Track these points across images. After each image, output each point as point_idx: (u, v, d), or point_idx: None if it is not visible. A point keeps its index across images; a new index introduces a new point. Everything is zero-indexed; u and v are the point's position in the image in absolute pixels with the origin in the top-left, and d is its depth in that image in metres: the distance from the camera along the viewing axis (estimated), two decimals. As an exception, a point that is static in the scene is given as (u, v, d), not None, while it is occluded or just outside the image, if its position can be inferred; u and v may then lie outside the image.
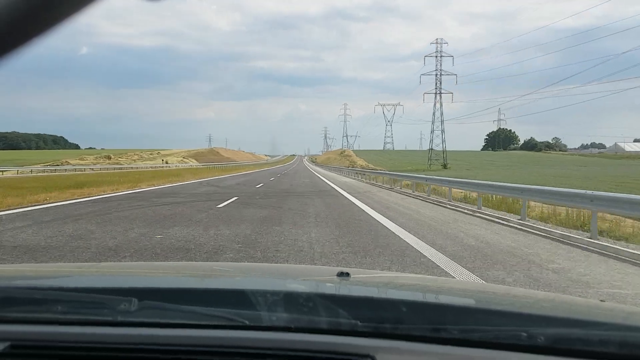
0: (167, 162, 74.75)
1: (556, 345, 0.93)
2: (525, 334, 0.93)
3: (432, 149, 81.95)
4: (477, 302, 1.32)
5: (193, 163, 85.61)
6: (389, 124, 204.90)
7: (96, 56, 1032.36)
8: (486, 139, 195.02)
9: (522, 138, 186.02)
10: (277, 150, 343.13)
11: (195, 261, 5.71)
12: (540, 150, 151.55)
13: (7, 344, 0.95)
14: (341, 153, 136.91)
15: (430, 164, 76.03)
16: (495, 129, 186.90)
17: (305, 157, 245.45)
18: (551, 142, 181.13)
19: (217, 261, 5.74)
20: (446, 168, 69.73)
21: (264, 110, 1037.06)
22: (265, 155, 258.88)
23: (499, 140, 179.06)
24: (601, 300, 1.59)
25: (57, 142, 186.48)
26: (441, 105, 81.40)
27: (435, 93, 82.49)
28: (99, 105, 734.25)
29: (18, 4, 0.46)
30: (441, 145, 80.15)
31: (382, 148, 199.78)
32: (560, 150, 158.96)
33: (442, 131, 78.60)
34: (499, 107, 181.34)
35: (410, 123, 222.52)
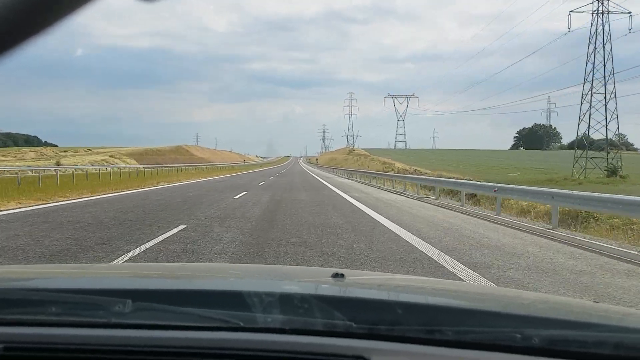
0: (58, 164, 42.32)
1: (551, 346, 0.93)
2: (520, 336, 0.93)
3: (589, 138, 40.48)
4: (472, 304, 1.30)
5: (123, 164, 53.81)
6: (401, 119, 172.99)
7: (92, 57, 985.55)
8: (516, 136, 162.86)
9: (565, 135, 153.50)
10: (272, 151, 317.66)
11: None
12: (601, 149, 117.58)
13: (0, 346, 0.94)
14: (350, 152, 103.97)
15: (585, 170, 37.82)
16: (527, 125, 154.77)
17: (301, 159, 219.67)
18: (614, 140, 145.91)
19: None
20: (620, 177, 33.88)
21: (260, 112, 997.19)
22: (256, 156, 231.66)
23: (537, 137, 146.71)
24: (595, 302, 1.55)
25: (30, 142, 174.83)
26: (607, 53, 38.71)
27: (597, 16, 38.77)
28: (96, 106, 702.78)
29: (15, 3, 0.46)
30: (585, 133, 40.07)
31: (386, 147, 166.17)
32: (628, 149, 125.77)
33: (613, 96, 42.27)
34: (549, 95, 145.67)
35: (435, 114, 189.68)
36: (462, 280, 4.97)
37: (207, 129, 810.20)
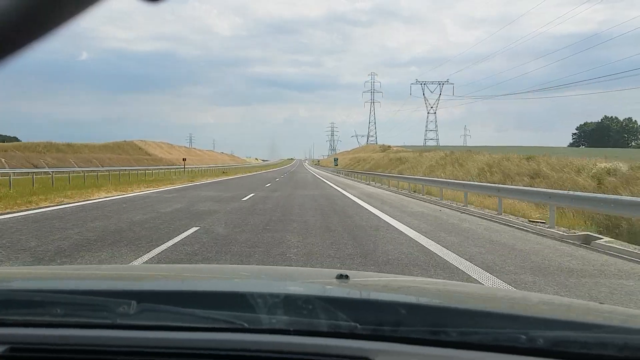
0: None
1: (555, 347, 0.92)
2: (524, 337, 0.92)
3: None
4: (476, 305, 1.29)
5: None
6: (431, 111, 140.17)
7: (96, 60, 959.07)
8: (576, 134, 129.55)
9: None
10: (275, 153, 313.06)
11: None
12: None
13: (6, 346, 0.95)
14: (384, 150, 70.49)
15: None
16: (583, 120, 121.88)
17: (306, 161, 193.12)
18: None
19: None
20: None
21: (264, 115, 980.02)
22: (256, 159, 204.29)
23: (609, 134, 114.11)
24: (600, 303, 1.55)
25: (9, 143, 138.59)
26: None
27: None
28: (97, 108, 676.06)
29: (18, 5, 0.45)
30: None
31: (409, 145, 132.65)
32: None
33: None
34: None
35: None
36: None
37: (210, 131, 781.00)
